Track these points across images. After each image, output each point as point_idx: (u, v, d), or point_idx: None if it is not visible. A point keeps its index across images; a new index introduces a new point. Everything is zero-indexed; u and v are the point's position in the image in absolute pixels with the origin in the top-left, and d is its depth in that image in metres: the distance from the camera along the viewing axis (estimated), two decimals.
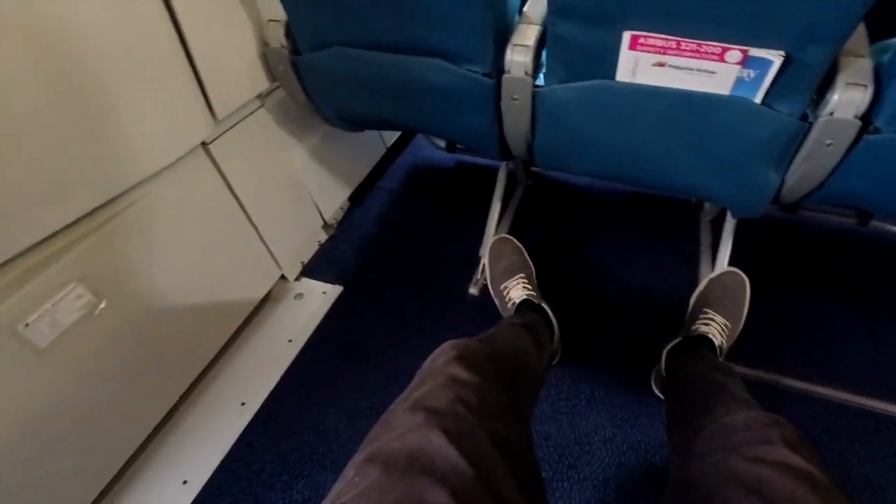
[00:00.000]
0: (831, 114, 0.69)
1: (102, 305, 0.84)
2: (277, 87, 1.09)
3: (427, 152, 1.68)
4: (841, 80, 0.67)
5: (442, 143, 1.65)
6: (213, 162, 0.99)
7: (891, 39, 0.68)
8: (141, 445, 0.99)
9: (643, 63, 0.75)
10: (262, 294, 1.21)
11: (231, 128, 1.01)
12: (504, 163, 1.35)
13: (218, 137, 0.98)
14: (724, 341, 0.93)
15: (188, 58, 0.86)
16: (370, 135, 1.52)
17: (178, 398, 1.04)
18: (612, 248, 1.33)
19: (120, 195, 0.83)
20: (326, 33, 0.90)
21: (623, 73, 0.77)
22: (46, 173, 0.72)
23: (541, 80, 0.85)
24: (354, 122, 1.13)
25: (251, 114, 1.06)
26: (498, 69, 0.85)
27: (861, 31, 0.69)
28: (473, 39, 0.82)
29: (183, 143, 0.90)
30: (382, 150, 1.60)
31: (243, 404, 1.07)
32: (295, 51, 0.96)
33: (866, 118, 0.69)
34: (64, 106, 0.72)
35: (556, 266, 1.27)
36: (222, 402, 1.08)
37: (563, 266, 1.28)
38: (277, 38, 0.94)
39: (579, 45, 0.76)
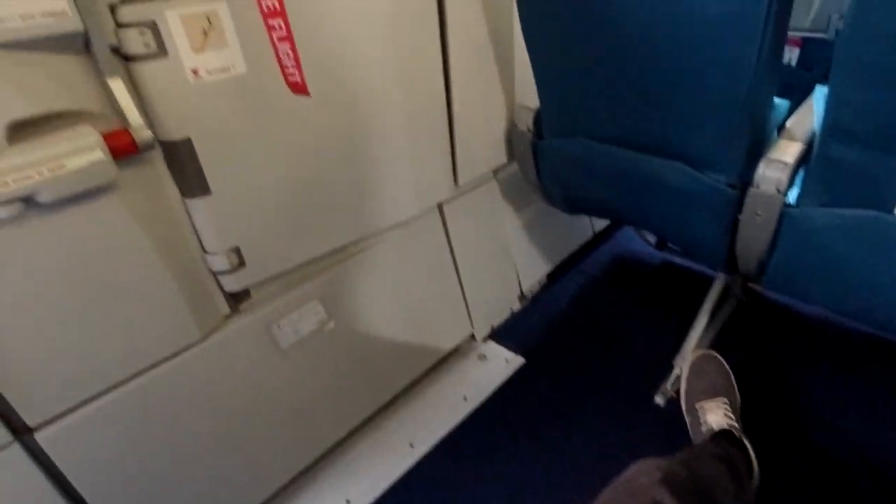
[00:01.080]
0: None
1: (331, 325, 0.98)
2: (512, 162, 1.18)
3: (635, 245, 1.64)
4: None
5: (652, 239, 1.60)
6: (443, 221, 1.10)
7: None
8: (313, 461, 1.09)
9: None
10: (451, 346, 1.28)
11: (464, 193, 1.13)
12: (721, 274, 1.25)
13: (452, 200, 1.10)
14: None
15: (449, 126, 0.99)
16: (581, 218, 1.55)
17: (359, 422, 1.14)
18: (839, 393, 1.12)
19: (366, 236, 0.98)
20: (571, 123, 0.96)
21: None
22: (329, 208, 0.88)
23: (791, 199, 0.79)
24: (575, 206, 1.17)
25: (483, 184, 1.17)
26: (743, 181, 0.81)
27: None
28: (723, 148, 0.80)
29: (426, 200, 1.03)
30: (589, 235, 1.61)
31: (412, 446, 1.13)
32: (538, 134, 1.04)
33: None
34: (348, 159, 0.88)
35: (761, 399, 1.11)
36: (394, 438, 1.15)
37: (771, 401, 1.12)
38: (525, 122, 1.04)
39: (852, 170, 0.69)
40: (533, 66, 0.94)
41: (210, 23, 0.65)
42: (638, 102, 0.84)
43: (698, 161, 0.83)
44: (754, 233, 0.83)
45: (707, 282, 1.26)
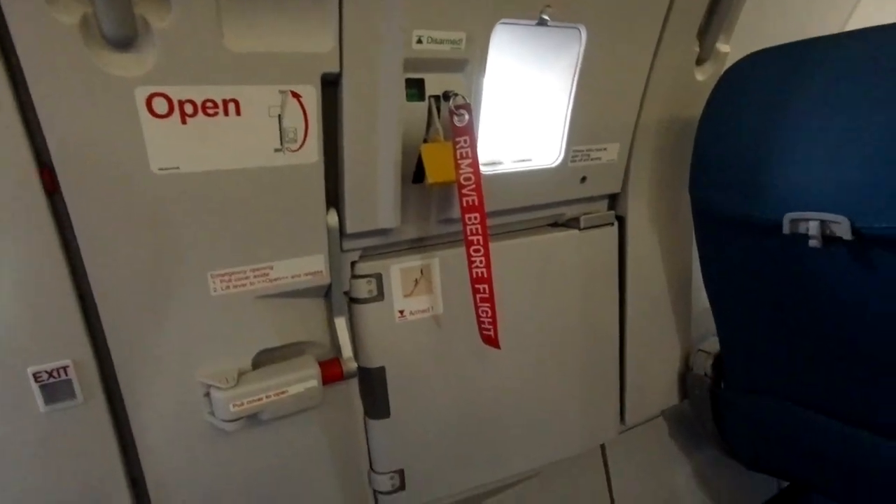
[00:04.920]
0: None
1: None
2: (682, 402, 1.10)
3: None
4: None
5: None
6: (605, 462, 1.02)
7: None
8: None
9: None
10: None
11: (628, 430, 1.05)
12: None
13: (616, 439, 1.03)
14: None
15: (620, 366, 0.97)
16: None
17: None
18: None
19: (525, 471, 0.93)
20: (761, 379, 0.88)
21: None
22: (494, 443, 0.87)
23: None
24: (758, 465, 1.02)
25: (650, 421, 1.08)
26: None
27: None
28: None
29: (591, 439, 0.98)
30: (774, 490, 1.36)
31: None
32: (716, 382, 0.97)
33: None
34: (519, 397, 0.88)
35: None
36: None
37: None
38: (704, 367, 0.98)
39: None
40: (716, 319, 0.92)
41: (422, 273, 0.75)
42: (850, 379, 0.75)
43: None
44: None
45: None
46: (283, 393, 0.66)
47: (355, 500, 0.81)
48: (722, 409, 0.97)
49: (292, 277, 0.65)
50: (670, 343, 1.02)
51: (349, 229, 0.67)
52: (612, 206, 0.93)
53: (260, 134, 0.57)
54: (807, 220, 0.70)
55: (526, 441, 0.90)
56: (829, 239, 0.69)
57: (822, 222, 0.69)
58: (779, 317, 0.80)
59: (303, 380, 0.67)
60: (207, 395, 0.64)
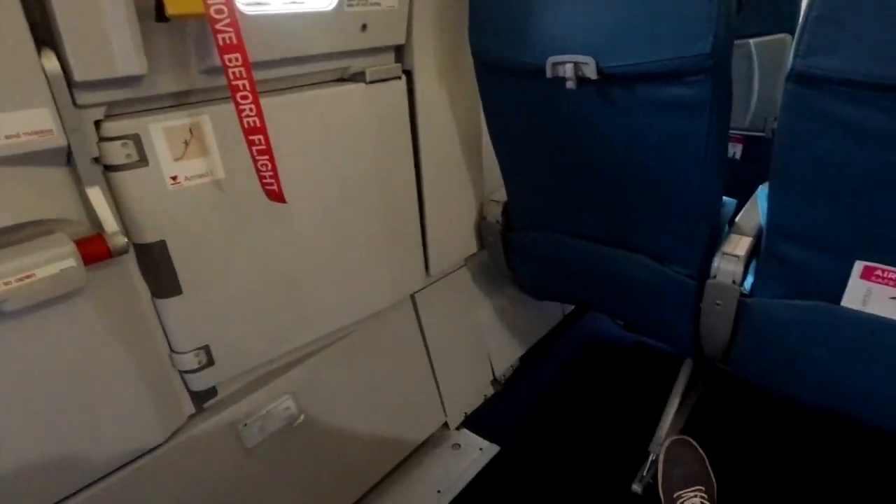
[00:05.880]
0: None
1: (301, 419, 0.95)
2: (481, 251, 1.22)
3: (605, 326, 1.67)
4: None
5: (622, 322, 1.63)
6: (415, 310, 1.11)
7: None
8: None
9: (877, 295, 0.70)
10: (424, 436, 1.25)
11: (435, 281, 1.15)
12: (689, 357, 1.28)
13: (424, 289, 1.12)
14: None
15: (421, 220, 1.03)
16: (551, 302, 1.58)
17: None
18: (810, 475, 1.12)
19: (337, 329, 0.98)
20: (538, 217, 1.01)
21: (851, 300, 0.72)
22: (303, 304, 0.88)
23: (747, 288, 0.84)
24: (544, 294, 1.20)
25: (454, 271, 1.19)
26: (703, 273, 0.85)
27: None
28: (682, 243, 0.85)
29: (399, 292, 1.04)
30: (560, 317, 1.63)
31: None
32: (507, 227, 1.09)
33: None
34: (322, 257, 0.89)
35: (738, 484, 1.11)
36: None
37: (745, 486, 1.12)
38: (495, 214, 1.09)
39: (800, 266, 0.74)
40: (501, 167, 1.00)
41: (192, 134, 0.68)
42: (602, 205, 0.89)
43: (661, 255, 0.88)
44: (715, 321, 0.87)
45: (678, 362, 1.28)
46: (29, 277, 0.57)
47: (160, 387, 0.77)
48: (510, 250, 1.10)
49: (7, 138, 0.53)
50: (466, 195, 1.10)
51: (77, 76, 0.55)
52: (399, 60, 0.92)
53: None
54: (563, 62, 0.77)
55: (335, 299, 0.93)
56: (581, 80, 0.77)
57: (575, 64, 0.76)
58: (548, 157, 0.90)
59: (53, 260, 0.58)
60: None
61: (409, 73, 0.92)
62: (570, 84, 0.77)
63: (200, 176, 0.70)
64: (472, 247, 1.15)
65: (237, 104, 0.62)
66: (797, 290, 0.77)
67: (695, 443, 1.07)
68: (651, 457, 1.17)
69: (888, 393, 0.73)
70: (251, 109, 0.62)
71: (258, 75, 0.67)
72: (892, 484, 1.10)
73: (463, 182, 1.08)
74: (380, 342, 1.07)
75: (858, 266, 0.69)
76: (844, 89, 0.59)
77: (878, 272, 0.68)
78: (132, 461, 0.76)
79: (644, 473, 1.16)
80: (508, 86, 0.88)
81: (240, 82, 0.60)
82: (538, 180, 0.95)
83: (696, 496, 0.98)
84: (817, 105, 0.61)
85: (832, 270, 0.71)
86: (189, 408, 0.83)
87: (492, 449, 1.26)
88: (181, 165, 0.68)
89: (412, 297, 1.11)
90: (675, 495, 1.00)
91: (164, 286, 0.72)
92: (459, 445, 1.28)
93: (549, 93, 0.82)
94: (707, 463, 1.05)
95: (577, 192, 0.91)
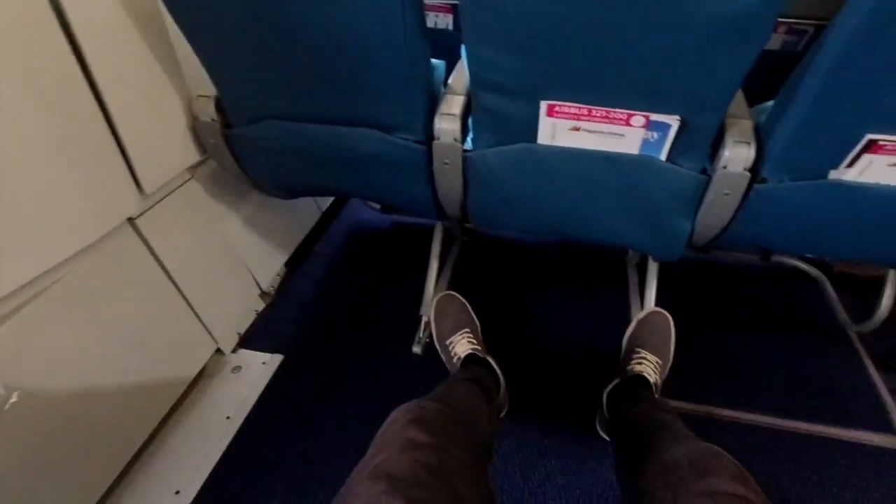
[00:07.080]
0: (725, 167, 0.78)
1: (13, 399, 0.77)
2: (208, 158, 1.08)
3: (363, 214, 1.70)
4: (729, 138, 0.77)
5: (377, 205, 1.68)
6: (141, 237, 0.95)
7: (766, 103, 0.80)
8: None
9: (560, 128, 0.82)
10: (195, 371, 1.15)
11: (160, 201, 0.99)
12: (439, 221, 1.39)
13: (146, 212, 0.96)
14: (658, 378, 0.99)
15: (113, 133, 0.85)
16: (304, 200, 1.52)
17: (104, 491, 0.95)
18: (548, 297, 1.38)
19: (35, 279, 0.79)
20: (257, 107, 0.91)
21: (543, 137, 0.84)
22: None
23: (469, 144, 0.91)
24: (289, 191, 1.14)
25: (181, 186, 1.04)
26: (429, 136, 0.89)
27: (740, 97, 0.80)
28: (403, 111, 0.86)
29: (107, 220, 0.87)
30: (318, 215, 1.60)
31: (177, 493, 0.99)
32: (227, 124, 0.97)
33: (755, 170, 0.78)
34: None
35: (498, 319, 1.30)
36: (154, 493, 1.00)
37: (503, 319, 1.32)
38: (207, 112, 0.95)
39: (502, 114, 0.82)
40: (199, 57, 0.86)
41: None
42: (316, 81, 0.84)
43: (386, 125, 0.89)
44: (446, 180, 0.93)
45: (433, 232, 1.39)
46: None
47: None
48: (237, 149, 1.00)
49: None
50: (163, 94, 0.93)
51: None
52: None
53: None
54: None
55: (25, 244, 0.74)
56: None
57: None
58: (253, 37, 0.80)
59: None
60: None
61: None
62: None
63: None
64: (193, 153, 1.01)
65: None
66: (506, 137, 0.86)
67: (456, 294, 1.19)
68: (424, 318, 1.28)
69: (576, 206, 0.89)
70: None
71: None
72: (601, 282, 1.41)
73: (156, 82, 0.91)
74: (106, 283, 0.90)
75: (543, 106, 0.79)
76: None
77: (558, 108, 0.79)
78: None
79: (420, 335, 1.27)
80: None
81: None
82: (243, 66, 0.85)
83: (462, 338, 1.11)
84: None
85: (525, 113, 0.80)
86: None
87: (275, 359, 1.24)
88: None
89: (133, 223, 0.94)
90: (447, 342, 1.12)
91: None
92: (240, 367, 1.23)
93: None
94: (469, 309, 1.19)
95: (291, 72, 0.84)
